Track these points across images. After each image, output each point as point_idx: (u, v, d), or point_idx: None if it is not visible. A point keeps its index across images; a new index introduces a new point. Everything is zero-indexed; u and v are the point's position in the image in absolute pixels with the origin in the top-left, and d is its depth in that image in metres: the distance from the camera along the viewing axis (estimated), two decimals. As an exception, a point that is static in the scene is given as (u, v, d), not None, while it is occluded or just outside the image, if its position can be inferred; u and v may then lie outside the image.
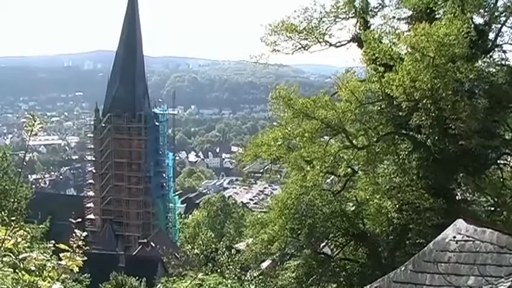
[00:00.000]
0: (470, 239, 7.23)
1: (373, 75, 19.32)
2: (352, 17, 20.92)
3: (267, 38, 20.90)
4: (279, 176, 28.24)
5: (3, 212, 15.81)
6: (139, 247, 68.38)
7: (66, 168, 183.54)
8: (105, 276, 38.41)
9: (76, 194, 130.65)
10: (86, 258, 5.14)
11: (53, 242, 5.82)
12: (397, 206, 19.91)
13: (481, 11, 19.32)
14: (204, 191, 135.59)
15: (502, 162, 20.97)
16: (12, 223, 5.00)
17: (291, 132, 19.88)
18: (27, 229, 5.53)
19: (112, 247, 75.22)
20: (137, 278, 39.07)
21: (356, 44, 20.98)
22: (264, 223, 22.58)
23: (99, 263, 32.97)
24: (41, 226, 28.72)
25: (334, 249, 22.68)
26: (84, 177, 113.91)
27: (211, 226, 70.12)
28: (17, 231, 5.04)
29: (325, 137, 20.38)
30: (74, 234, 5.14)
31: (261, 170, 27.14)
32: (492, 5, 19.30)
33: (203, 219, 73.12)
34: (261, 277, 23.32)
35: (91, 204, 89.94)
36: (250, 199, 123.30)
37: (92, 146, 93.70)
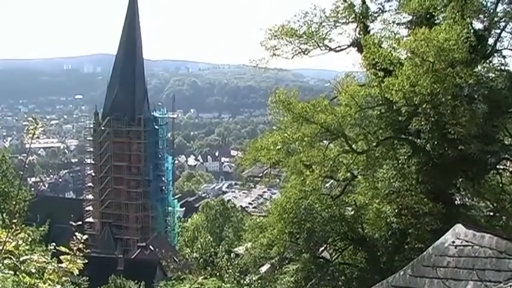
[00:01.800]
0: (469, 244, 7.24)
1: (372, 80, 19.35)
2: (352, 22, 20.95)
3: (267, 42, 20.92)
4: (278, 180, 28.30)
5: (4, 215, 15.81)
6: (138, 250, 68.28)
7: (66, 171, 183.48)
8: (103, 280, 38.36)
9: (75, 197, 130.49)
10: (86, 261, 5.17)
11: (54, 244, 5.84)
12: (396, 210, 19.90)
13: (481, 16, 19.37)
14: (203, 195, 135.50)
15: (501, 167, 20.97)
16: (14, 225, 5.02)
17: (291, 137, 19.88)
18: (28, 232, 5.53)
19: (111, 250, 75.12)
20: (136, 281, 38.97)
21: (356, 48, 21.01)
22: (263, 227, 22.57)
23: (97, 266, 32.90)
24: (40, 229, 28.74)
25: (333, 254, 22.67)
26: (84, 181, 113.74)
27: (210, 230, 70.03)
28: (18, 233, 5.06)
29: (325, 142, 20.38)
30: (74, 237, 5.16)
31: (260, 174, 27.16)
32: (492, 11, 19.34)
33: (202, 223, 73.01)
34: (260, 281, 23.31)
35: (90, 208, 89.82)
36: (249, 203, 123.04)
37: (91, 149, 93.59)
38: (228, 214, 75.28)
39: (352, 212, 22.18)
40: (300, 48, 21.25)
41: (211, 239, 56.01)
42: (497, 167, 20.70)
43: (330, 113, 18.89)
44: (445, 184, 19.38)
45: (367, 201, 20.71)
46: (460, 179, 19.81)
